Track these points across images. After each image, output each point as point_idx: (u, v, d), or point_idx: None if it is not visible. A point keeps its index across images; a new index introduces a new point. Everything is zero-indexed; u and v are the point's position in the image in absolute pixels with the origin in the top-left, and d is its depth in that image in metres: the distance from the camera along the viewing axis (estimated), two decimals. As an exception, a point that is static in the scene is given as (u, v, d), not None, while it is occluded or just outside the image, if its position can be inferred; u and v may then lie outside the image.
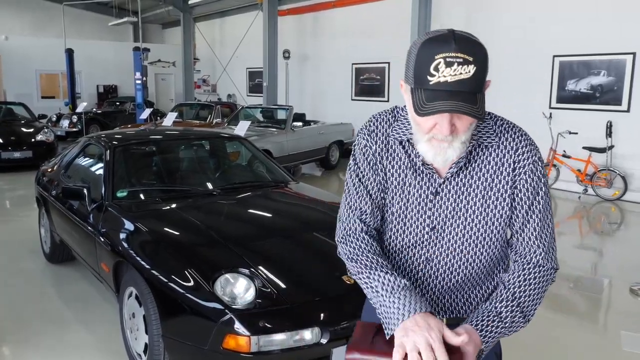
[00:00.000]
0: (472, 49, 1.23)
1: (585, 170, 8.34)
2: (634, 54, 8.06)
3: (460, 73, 1.20)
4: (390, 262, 1.50)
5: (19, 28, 20.17)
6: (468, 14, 10.34)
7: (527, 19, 9.44)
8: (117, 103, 16.76)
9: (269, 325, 2.64)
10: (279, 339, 2.63)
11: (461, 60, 1.20)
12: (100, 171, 4.11)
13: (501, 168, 1.41)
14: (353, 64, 13.12)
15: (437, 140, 1.31)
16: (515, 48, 9.60)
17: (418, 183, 1.43)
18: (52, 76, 18.89)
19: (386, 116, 1.51)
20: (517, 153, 1.41)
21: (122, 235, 3.39)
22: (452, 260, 1.45)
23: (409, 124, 1.43)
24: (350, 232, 1.48)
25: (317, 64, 14.38)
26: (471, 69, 1.21)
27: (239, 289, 2.77)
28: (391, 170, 1.46)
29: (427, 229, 1.44)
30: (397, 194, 1.45)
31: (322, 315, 2.78)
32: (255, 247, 3.22)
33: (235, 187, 4.29)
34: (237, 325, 2.59)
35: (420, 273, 1.48)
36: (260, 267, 2.93)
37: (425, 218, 1.43)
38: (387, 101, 12.33)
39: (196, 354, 2.74)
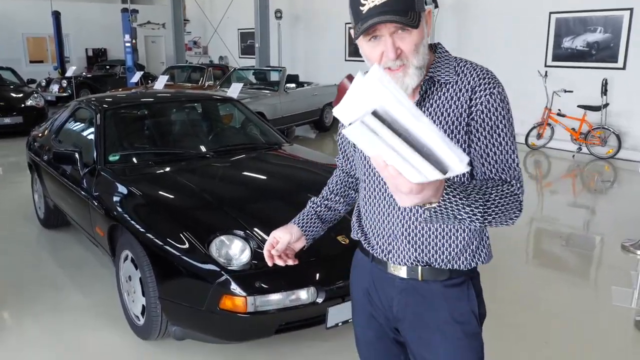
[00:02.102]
0: None
1: (580, 129, 8.33)
2: (631, 9, 7.93)
3: None
4: (362, 200, 1.57)
5: (2, -10, 19.64)
6: (463, -30, 10.12)
7: (523, -26, 9.26)
8: (107, 67, 16.48)
9: (264, 286, 2.66)
10: (275, 299, 2.66)
11: None
12: (92, 135, 4.06)
13: (457, 103, 1.36)
14: (346, 23, 12.89)
15: (392, 71, 1.31)
16: (510, 4, 9.43)
17: None
18: (39, 40, 18.49)
19: None
20: (473, 89, 1.36)
21: (116, 199, 3.38)
22: None
23: None
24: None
25: (310, 24, 14.12)
26: None
27: (234, 250, 2.78)
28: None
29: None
30: None
31: (317, 275, 2.81)
32: (249, 209, 3.22)
33: (228, 150, 4.26)
34: (233, 286, 2.62)
35: (387, 213, 1.47)
36: (255, 229, 2.94)
37: None
38: (381, 61, 12.18)
39: (193, 314, 2.77)
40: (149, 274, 2.89)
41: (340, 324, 2.84)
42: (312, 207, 1.79)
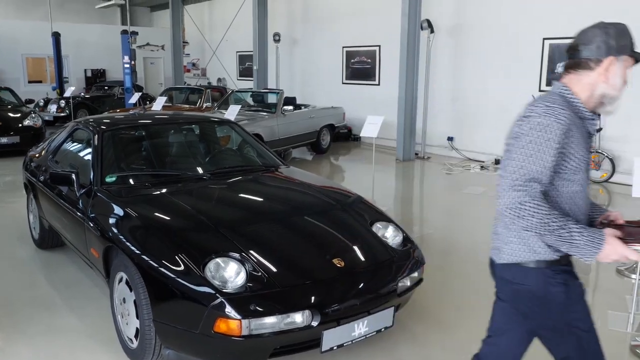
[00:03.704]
0: None
1: (575, 153, 8.37)
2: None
3: None
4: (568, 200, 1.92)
5: (3, 11, 19.82)
6: (459, -4, 10.29)
7: (517, 0, 9.40)
8: (106, 87, 16.56)
9: (259, 309, 2.65)
10: (270, 322, 2.65)
11: None
12: (89, 156, 4.08)
13: None
14: (344, 47, 13.03)
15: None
16: (505, 30, 9.58)
17: (587, 144, 1.91)
18: (39, 60, 18.60)
19: (559, 103, 1.86)
20: None
21: (112, 221, 3.38)
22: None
23: (580, 104, 1.91)
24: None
25: (308, 47, 14.28)
26: None
27: (230, 273, 2.78)
28: (571, 138, 1.83)
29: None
30: (576, 153, 1.85)
31: (312, 298, 2.81)
32: (245, 231, 3.22)
33: (225, 172, 4.28)
34: (228, 309, 2.61)
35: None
36: (251, 251, 2.94)
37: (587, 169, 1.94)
38: (378, 84, 12.28)
39: (187, 337, 2.76)
40: (143, 296, 2.88)
41: (335, 347, 2.83)
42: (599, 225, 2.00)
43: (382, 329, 3.02)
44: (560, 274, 1.92)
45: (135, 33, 14.62)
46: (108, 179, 3.83)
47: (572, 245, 1.76)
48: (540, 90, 9.13)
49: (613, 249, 1.74)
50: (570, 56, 1.94)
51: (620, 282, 4.51)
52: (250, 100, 11.06)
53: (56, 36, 15.46)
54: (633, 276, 4.49)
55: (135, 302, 2.97)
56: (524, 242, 1.92)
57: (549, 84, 9.08)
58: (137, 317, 2.96)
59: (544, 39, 9.02)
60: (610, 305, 3.98)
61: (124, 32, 13.99)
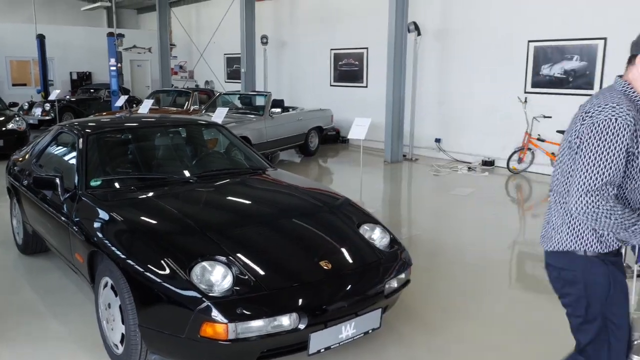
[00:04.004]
0: None
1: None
2: (605, 39, 8.15)
3: None
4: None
5: (-14, 13, 19.62)
6: (445, -1, 10.36)
7: (502, 4, 9.47)
8: (92, 90, 16.42)
9: (246, 312, 2.64)
10: (257, 326, 2.64)
11: None
12: (73, 160, 4.03)
13: None
14: (332, 49, 13.05)
15: None
16: (491, 33, 9.64)
17: None
18: (23, 63, 18.41)
19: (625, 103, 1.89)
20: None
21: (97, 225, 3.35)
22: None
23: None
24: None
25: (296, 49, 14.27)
26: None
27: (216, 276, 2.76)
28: (637, 138, 1.85)
29: None
30: None
31: (300, 300, 2.80)
32: (233, 234, 3.20)
33: (212, 175, 4.26)
34: (215, 313, 2.59)
35: None
36: (238, 254, 2.93)
37: None
38: (366, 87, 12.31)
39: (174, 342, 2.74)
40: (128, 301, 2.85)
41: (322, 350, 2.82)
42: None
43: (370, 331, 3.02)
44: (608, 265, 2.00)
45: (121, 35, 14.55)
46: (93, 183, 3.79)
47: None
48: (525, 92, 9.21)
49: None
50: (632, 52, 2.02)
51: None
52: (238, 103, 11.02)
53: (41, 38, 15.31)
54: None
55: (120, 307, 2.95)
56: (574, 232, 2.01)
57: (534, 85, 9.17)
58: (123, 323, 2.94)
59: (529, 41, 9.10)
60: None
61: (110, 34, 13.89)
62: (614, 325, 2.02)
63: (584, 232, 2.01)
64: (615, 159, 1.83)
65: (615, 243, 2.00)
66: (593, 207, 1.83)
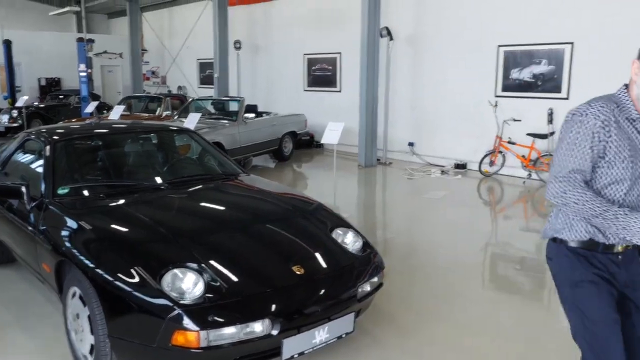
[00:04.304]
0: None
1: (529, 156, 8.62)
2: (572, 43, 8.36)
3: None
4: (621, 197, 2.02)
5: (-49, 18, 19.11)
6: (417, 4, 10.47)
7: (472, 9, 9.63)
8: (61, 96, 16.11)
9: (218, 319, 2.62)
10: (229, 333, 2.62)
11: None
12: (40, 168, 3.95)
13: None
14: (305, 54, 13.08)
15: None
16: (461, 38, 9.79)
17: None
18: (-11, 69, 17.99)
19: (604, 104, 1.97)
20: None
21: (64, 234, 3.28)
22: None
23: (630, 103, 1.98)
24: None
25: (269, 54, 14.26)
26: None
27: (187, 284, 2.73)
28: (610, 138, 1.94)
29: None
30: (627, 154, 1.94)
31: (272, 306, 2.78)
32: (205, 241, 3.18)
33: (184, 181, 4.21)
34: (186, 321, 2.56)
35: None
36: (210, 261, 2.90)
37: None
38: (339, 91, 12.36)
39: (144, 352, 2.70)
40: (97, 311, 2.80)
41: (296, 355, 2.81)
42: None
43: (343, 335, 3.02)
44: (578, 256, 2.08)
45: (91, 40, 14.34)
46: (60, 191, 3.71)
47: (617, 226, 1.87)
48: (496, 96, 9.36)
49: None
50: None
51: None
52: (211, 109, 10.96)
53: (7, 44, 14.99)
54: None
55: (89, 317, 2.89)
56: (554, 220, 2.15)
57: (504, 89, 9.33)
58: (92, 333, 2.88)
59: (499, 46, 9.27)
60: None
61: (80, 39, 13.69)
62: (586, 319, 2.06)
63: (559, 220, 2.13)
64: (581, 148, 1.95)
65: (585, 233, 2.05)
66: (561, 192, 1.96)
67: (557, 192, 1.98)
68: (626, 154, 1.95)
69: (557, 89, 8.61)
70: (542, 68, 8.79)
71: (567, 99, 8.46)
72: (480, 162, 9.14)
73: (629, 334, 2.11)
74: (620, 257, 2.07)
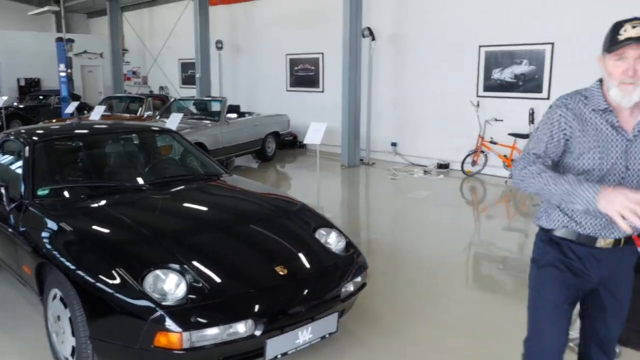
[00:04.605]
0: None
1: (511, 156, 8.72)
2: (552, 44, 8.47)
3: (637, 32, 1.84)
4: None
5: None
6: (399, 4, 10.52)
7: (454, 10, 9.71)
8: (41, 97, 15.90)
9: (201, 320, 2.61)
10: (212, 334, 2.61)
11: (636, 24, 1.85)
12: (20, 169, 3.89)
13: None
14: (287, 54, 13.06)
15: (624, 84, 1.90)
16: (443, 38, 9.86)
17: (610, 139, 1.98)
18: (-34, 69, 17.67)
19: (572, 97, 2.06)
20: None
21: (45, 235, 3.24)
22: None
23: (600, 96, 2.01)
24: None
25: (251, 54, 14.22)
26: None
27: (170, 285, 2.72)
28: (585, 133, 1.99)
29: (622, 171, 1.99)
30: (592, 144, 1.98)
31: (256, 307, 2.78)
32: (187, 241, 3.16)
33: (165, 182, 4.18)
34: (168, 322, 2.55)
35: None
36: (193, 262, 2.89)
37: (621, 164, 1.98)
38: (322, 92, 12.37)
39: (126, 354, 2.68)
40: (79, 313, 2.77)
41: (279, 356, 2.81)
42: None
43: (327, 335, 3.03)
44: (552, 243, 2.13)
45: (71, 40, 14.15)
46: (40, 192, 3.66)
47: (570, 194, 1.84)
48: (477, 96, 9.45)
49: (611, 196, 1.74)
50: None
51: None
52: (193, 109, 10.89)
53: (-15, 43, 14.73)
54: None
55: (70, 319, 2.86)
56: (544, 210, 2.19)
57: (486, 89, 9.42)
58: (73, 335, 2.85)
59: (480, 46, 9.35)
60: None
61: (60, 39, 13.51)
62: (538, 298, 2.19)
63: (541, 208, 2.22)
64: (542, 134, 2.05)
65: (559, 222, 2.10)
66: (518, 169, 2.02)
67: (516, 170, 2.04)
68: (591, 144, 1.99)
69: (538, 89, 8.73)
70: (523, 68, 8.90)
71: (547, 98, 8.57)
72: (463, 162, 9.22)
73: (591, 330, 2.25)
74: (603, 253, 2.08)
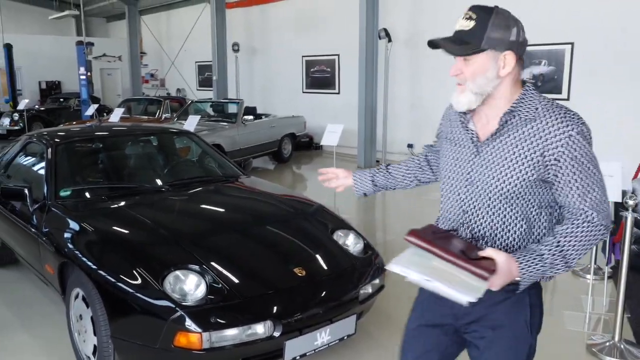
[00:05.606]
0: (479, 11, 1.59)
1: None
2: (572, 43, 8.38)
3: (462, 25, 1.63)
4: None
5: (-49, 22, 19.13)
6: (414, 5, 10.49)
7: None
8: (61, 99, 16.14)
9: (220, 321, 2.63)
10: (231, 334, 2.63)
11: (467, 16, 1.62)
12: (42, 170, 3.96)
13: (533, 139, 1.58)
14: (303, 56, 13.09)
15: (457, 85, 1.73)
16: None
17: (464, 144, 1.75)
18: (-11, 73, 18.01)
19: None
20: (552, 127, 1.57)
21: (67, 236, 3.29)
22: (482, 210, 1.70)
23: None
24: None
25: (267, 56, 14.28)
26: (470, 24, 1.60)
27: (189, 285, 2.74)
28: (448, 135, 1.86)
29: (465, 182, 1.74)
30: (449, 153, 1.83)
31: (274, 308, 2.79)
32: (206, 242, 3.19)
33: (184, 183, 4.23)
34: (188, 322, 2.57)
35: (458, 217, 1.80)
36: (212, 263, 2.91)
37: (465, 173, 1.73)
38: (338, 93, 12.38)
39: (147, 353, 2.71)
40: (100, 312, 2.81)
41: (298, 357, 2.82)
42: (375, 168, 2.15)
43: (345, 337, 3.03)
44: None
45: (91, 44, 14.35)
46: (62, 193, 3.72)
47: None
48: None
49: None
50: None
51: (575, 282, 4.65)
52: (210, 111, 10.97)
53: (8, 48, 15.02)
54: (588, 276, 4.64)
55: (92, 318, 2.90)
56: None
57: (503, 90, 9.34)
58: (95, 334, 2.89)
59: (498, 47, 9.28)
60: (566, 306, 4.10)
61: (79, 43, 13.71)
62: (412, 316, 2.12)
63: None
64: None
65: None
66: None
67: None
68: (446, 145, 1.86)
69: (558, 90, 8.62)
70: (542, 69, 8.81)
71: (567, 99, 8.48)
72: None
73: None
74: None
